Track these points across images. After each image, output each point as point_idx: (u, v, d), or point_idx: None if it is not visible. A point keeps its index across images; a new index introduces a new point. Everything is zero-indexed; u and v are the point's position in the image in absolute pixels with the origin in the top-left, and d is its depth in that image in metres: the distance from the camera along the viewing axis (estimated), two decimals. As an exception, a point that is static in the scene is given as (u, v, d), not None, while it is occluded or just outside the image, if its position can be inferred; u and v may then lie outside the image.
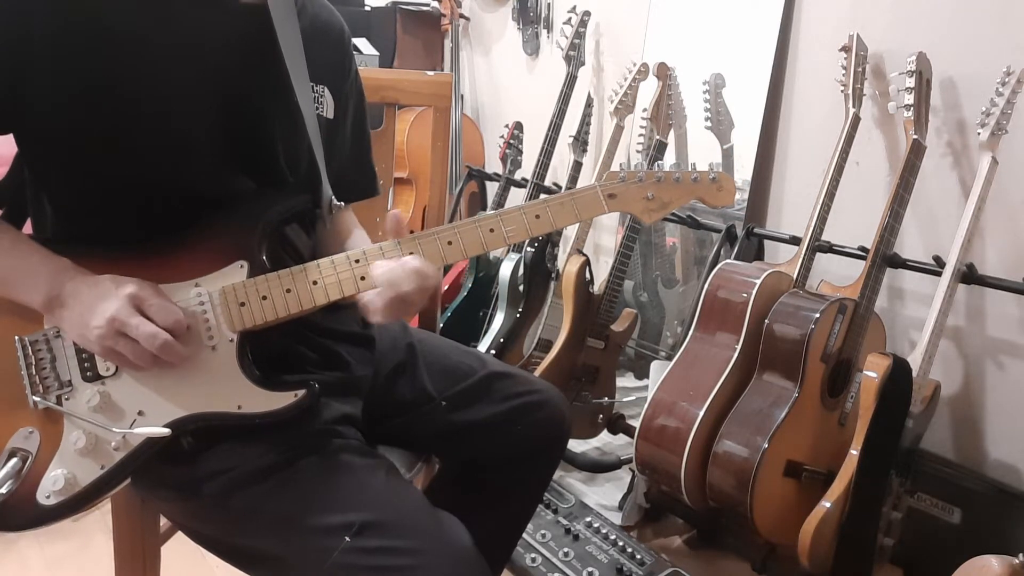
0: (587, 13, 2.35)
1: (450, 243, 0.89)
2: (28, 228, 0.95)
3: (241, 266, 0.87)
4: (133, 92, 0.84)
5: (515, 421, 1.07)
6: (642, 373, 2.39)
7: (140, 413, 0.85)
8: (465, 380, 1.08)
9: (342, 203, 0.99)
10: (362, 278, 0.87)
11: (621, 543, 1.63)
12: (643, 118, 2.09)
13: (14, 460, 0.81)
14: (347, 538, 0.80)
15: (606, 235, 2.57)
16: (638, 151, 2.14)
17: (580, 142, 2.30)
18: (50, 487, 0.82)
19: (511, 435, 1.06)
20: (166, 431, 0.83)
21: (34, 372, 0.84)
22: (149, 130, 0.86)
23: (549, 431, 1.10)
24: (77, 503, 0.83)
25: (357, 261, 0.87)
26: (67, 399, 0.84)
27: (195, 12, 0.86)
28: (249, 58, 0.90)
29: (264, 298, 0.86)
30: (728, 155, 2.09)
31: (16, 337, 0.85)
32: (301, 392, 0.86)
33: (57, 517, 0.83)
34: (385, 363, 1.07)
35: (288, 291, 0.86)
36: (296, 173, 0.97)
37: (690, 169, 0.95)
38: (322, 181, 0.96)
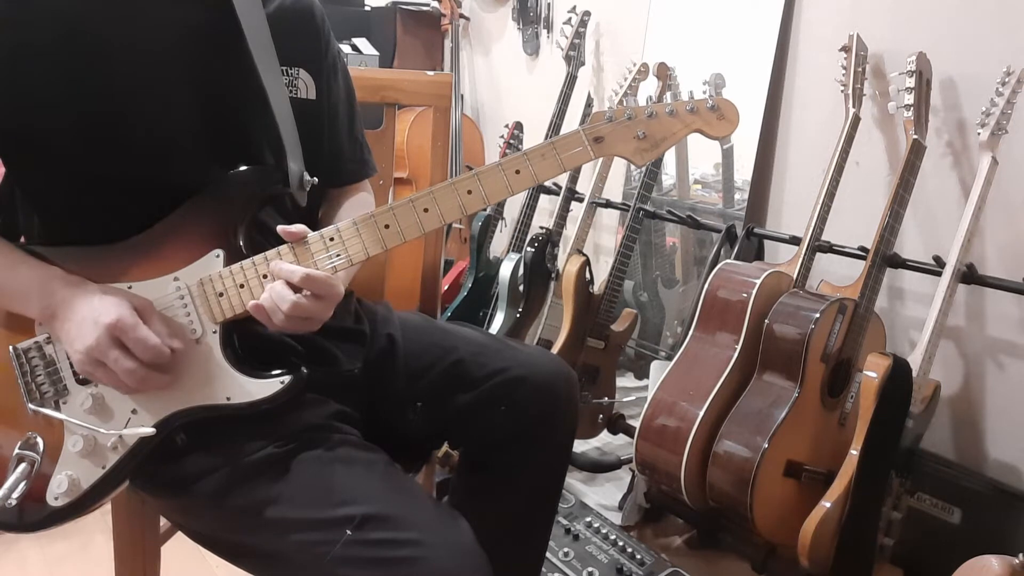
0: (587, 13, 2.35)
1: (426, 210, 0.84)
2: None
3: (217, 255, 0.86)
4: (104, 91, 0.85)
5: (496, 403, 1.01)
6: (642, 373, 2.39)
7: (133, 412, 0.85)
8: (433, 369, 1.04)
9: (315, 179, 0.96)
10: (338, 255, 0.85)
11: (621, 543, 1.63)
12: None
13: (23, 465, 0.84)
14: (348, 531, 0.80)
15: (606, 235, 2.57)
16: (638, 151, 2.14)
17: (580, 142, 2.29)
18: (56, 490, 0.84)
19: (496, 418, 1.01)
20: (151, 430, 0.83)
21: (30, 380, 0.86)
22: (124, 127, 0.87)
23: (536, 405, 1.03)
24: (84, 503, 0.85)
25: (332, 239, 0.85)
26: (63, 403, 0.86)
27: (159, 9, 0.88)
28: (216, 48, 0.90)
29: (241, 286, 0.85)
30: (728, 155, 2.10)
31: (10, 347, 0.86)
32: (287, 378, 0.85)
33: (68, 517, 0.85)
34: (371, 353, 1.05)
35: (265, 276, 0.85)
36: (275, 157, 0.96)
37: (685, 99, 0.87)
38: (287, 159, 0.94)
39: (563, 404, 1.06)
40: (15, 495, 0.81)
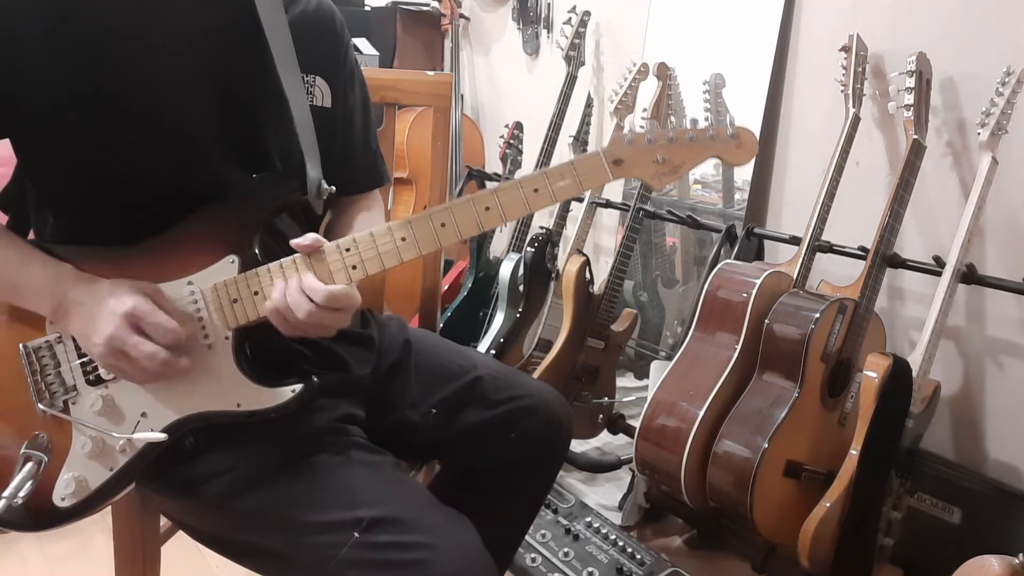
0: (587, 13, 2.35)
1: (444, 224, 0.84)
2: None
3: (232, 261, 0.86)
4: (124, 91, 0.85)
5: (507, 427, 1.05)
6: (642, 373, 2.39)
7: (143, 415, 0.85)
8: (452, 383, 1.06)
9: (332, 188, 0.96)
10: (353, 267, 0.84)
11: (621, 543, 1.63)
12: (643, 118, 2.09)
13: (29, 464, 0.83)
14: (356, 534, 0.81)
15: (606, 235, 2.57)
16: (638, 151, 2.14)
17: (580, 142, 2.30)
18: (63, 490, 0.84)
19: (504, 441, 1.05)
20: (163, 436, 0.83)
21: (39, 379, 0.85)
22: (142, 128, 0.87)
23: (543, 437, 1.07)
24: (90, 504, 0.85)
25: (348, 250, 0.85)
26: (73, 404, 0.85)
27: (183, 8, 0.87)
28: (237, 50, 0.90)
29: (256, 293, 0.85)
30: (728, 155, 2.09)
31: (20, 345, 0.86)
32: (298, 387, 0.86)
33: (73, 517, 0.85)
34: (383, 360, 1.07)
35: None
36: (289, 162, 0.96)
37: (705, 125, 0.87)
38: (306, 167, 0.94)
39: (564, 432, 1.11)
40: (21, 494, 0.81)
